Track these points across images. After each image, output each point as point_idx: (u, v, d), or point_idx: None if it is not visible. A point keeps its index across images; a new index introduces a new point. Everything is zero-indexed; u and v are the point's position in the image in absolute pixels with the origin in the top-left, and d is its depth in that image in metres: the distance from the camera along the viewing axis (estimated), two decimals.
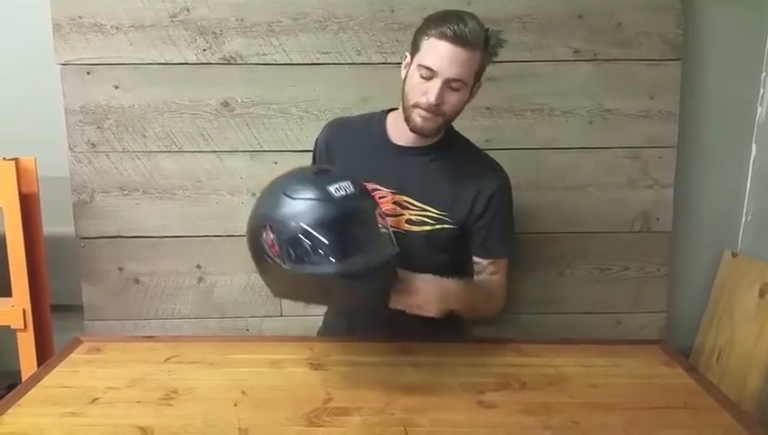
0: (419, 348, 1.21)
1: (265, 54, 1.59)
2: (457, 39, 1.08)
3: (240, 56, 1.59)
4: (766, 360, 1.53)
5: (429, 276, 1.11)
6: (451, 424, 0.96)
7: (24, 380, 1.13)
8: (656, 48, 1.61)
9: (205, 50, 1.58)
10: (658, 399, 1.05)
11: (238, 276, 1.68)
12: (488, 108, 1.61)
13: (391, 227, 1.20)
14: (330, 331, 1.42)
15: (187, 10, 1.57)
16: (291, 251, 0.95)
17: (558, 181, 1.66)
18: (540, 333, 1.69)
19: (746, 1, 1.67)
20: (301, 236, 0.94)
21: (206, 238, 1.66)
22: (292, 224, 0.95)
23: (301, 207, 0.96)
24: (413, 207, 1.23)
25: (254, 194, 1.63)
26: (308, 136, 1.57)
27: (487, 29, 1.13)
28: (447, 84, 1.12)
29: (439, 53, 1.10)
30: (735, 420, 0.98)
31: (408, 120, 1.19)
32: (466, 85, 1.14)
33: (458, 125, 1.43)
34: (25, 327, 1.48)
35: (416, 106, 1.16)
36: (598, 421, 0.97)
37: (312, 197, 0.96)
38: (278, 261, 0.97)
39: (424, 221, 1.23)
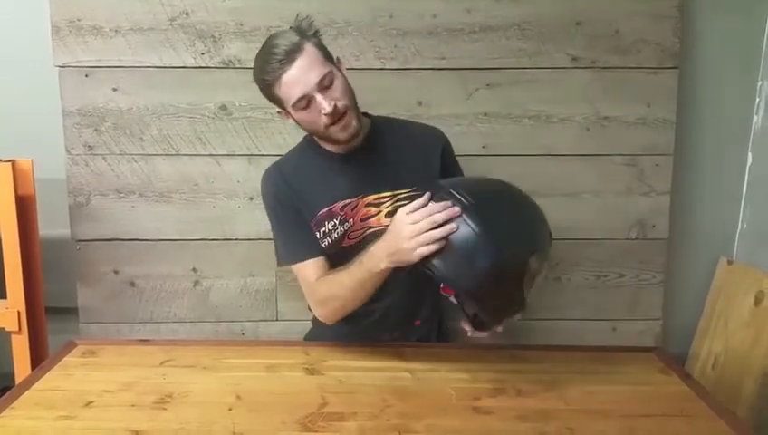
0: (415, 353, 1.21)
1: None
2: (287, 60, 1.11)
3: (239, 60, 1.59)
4: (761, 367, 1.53)
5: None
6: (446, 430, 0.96)
7: (17, 383, 1.13)
8: (653, 56, 1.61)
9: (203, 54, 1.58)
10: (654, 406, 1.05)
11: (234, 280, 1.67)
12: (486, 114, 1.62)
13: (374, 228, 1.21)
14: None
15: (186, 14, 1.57)
16: None
17: (554, 188, 1.66)
18: (536, 339, 1.68)
19: (742, 10, 1.68)
20: None
21: (203, 242, 1.65)
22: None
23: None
24: (385, 199, 1.23)
25: (251, 198, 1.63)
26: None
27: (296, 26, 1.16)
28: (322, 89, 1.12)
29: (290, 82, 1.12)
30: (731, 427, 0.98)
31: (336, 144, 1.21)
32: (332, 72, 1.15)
33: (455, 131, 1.43)
34: (20, 330, 1.47)
35: (327, 127, 1.16)
36: (593, 428, 0.97)
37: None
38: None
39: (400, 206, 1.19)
